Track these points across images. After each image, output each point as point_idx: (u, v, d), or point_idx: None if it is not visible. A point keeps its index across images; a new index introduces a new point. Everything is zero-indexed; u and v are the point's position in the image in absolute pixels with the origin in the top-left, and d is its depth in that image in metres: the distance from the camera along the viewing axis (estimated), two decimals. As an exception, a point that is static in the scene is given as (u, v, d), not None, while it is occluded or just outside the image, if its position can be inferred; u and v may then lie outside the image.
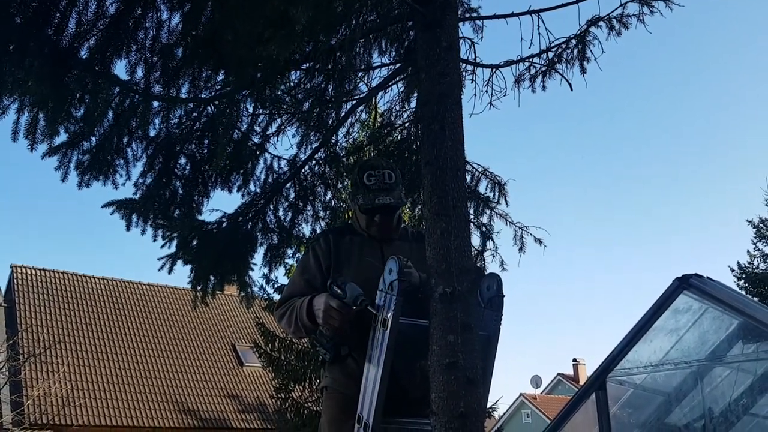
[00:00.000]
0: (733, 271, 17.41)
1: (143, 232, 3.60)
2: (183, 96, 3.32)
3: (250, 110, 3.76)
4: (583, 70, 3.64)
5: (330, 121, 3.99)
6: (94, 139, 3.32)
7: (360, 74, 3.82)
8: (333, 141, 4.12)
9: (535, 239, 4.31)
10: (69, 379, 15.02)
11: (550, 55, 3.59)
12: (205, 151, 3.79)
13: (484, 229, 4.33)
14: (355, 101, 3.92)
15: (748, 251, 17.46)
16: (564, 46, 3.58)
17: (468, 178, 4.28)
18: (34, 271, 17.73)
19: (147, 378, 16.58)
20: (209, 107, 3.66)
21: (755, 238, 17.40)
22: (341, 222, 4.29)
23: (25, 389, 14.03)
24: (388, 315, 2.42)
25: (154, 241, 3.61)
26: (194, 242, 3.67)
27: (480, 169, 4.39)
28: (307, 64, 3.58)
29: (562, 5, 3.33)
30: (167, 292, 19.53)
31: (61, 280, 18.07)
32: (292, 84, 3.70)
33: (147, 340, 17.69)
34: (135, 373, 16.52)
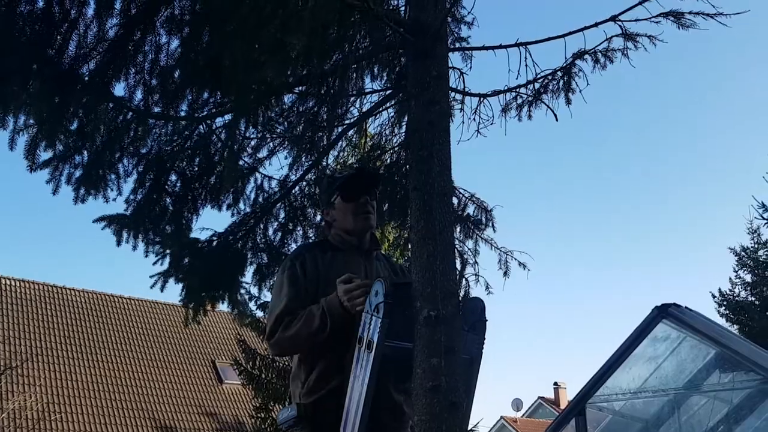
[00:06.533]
0: (714, 297, 17.60)
1: (134, 248, 3.64)
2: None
3: (242, 131, 3.82)
4: (568, 101, 3.74)
5: (321, 144, 4.06)
6: (86, 153, 3.37)
7: (352, 99, 3.90)
8: (324, 163, 4.19)
9: (519, 264, 4.39)
10: (45, 392, 14.79)
11: (537, 85, 3.68)
12: (196, 168, 3.84)
13: (466, 254, 4.41)
14: (346, 125, 4.00)
15: (730, 278, 17.67)
16: (550, 77, 3.67)
17: (455, 203, 4.36)
18: (12, 282, 17.47)
19: (125, 393, 16.36)
20: (201, 126, 3.72)
21: (737, 265, 17.60)
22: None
23: (0, 402, 13.80)
24: (374, 337, 2.46)
25: (146, 257, 3.65)
26: (186, 260, 3.70)
27: (467, 195, 4.48)
28: (301, 88, 3.65)
29: (549, 39, 3.42)
30: (148, 306, 19.34)
31: (39, 291, 17.83)
32: (285, 107, 3.77)
33: (126, 354, 17.48)
34: (113, 388, 16.29)
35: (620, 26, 3.41)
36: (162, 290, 3.73)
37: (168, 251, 3.66)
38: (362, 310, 2.47)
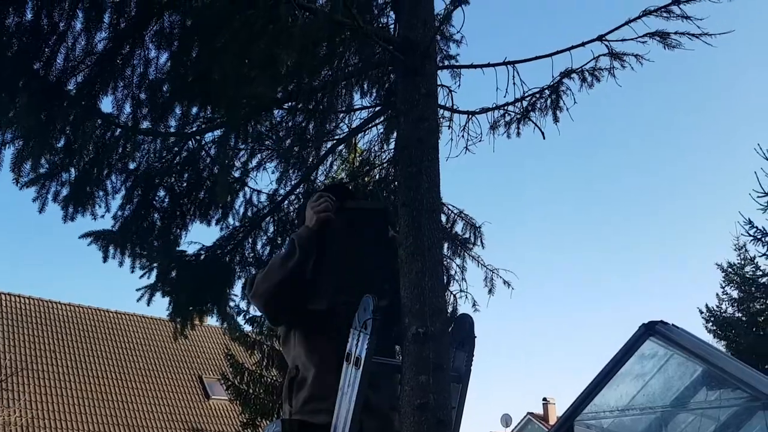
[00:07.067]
0: (702, 313, 17.73)
1: (121, 263, 3.61)
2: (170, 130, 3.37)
3: (232, 145, 3.82)
4: (556, 119, 3.77)
5: (310, 159, 4.06)
6: (73, 170, 3.35)
7: (341, 115, 3.91)
8: (313, 177, 4.18)
9: (504, 282, 4.40)
10: (31, 407, 14.60)
11: (525, 103, 3.70)
12: (185, 184, 3.83)
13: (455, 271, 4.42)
14: (335, 141, 4.00)
15: (716, 294, 17.82)
16: (538, 95, 3.70)
17: (444, 219, 4.38)
18: (-3, 296, 17.31)
19: (111, 408, 16.17)
20: (190, 141, 3.71)
21: (723, 281, 17.76)
22: None
23: (-16, 417, 13.61)
24: (362, 354, 2.45)
25: (132, 272, 3.62)
26: (173, 273, 3.67)
27: (456, 211, 4.49)
28: (290, 103, 3.66)
29: (537, 58, 3.45)
30: (135, 321, 19.19)
31: (26, 305, 17.65)
32: (274, 122, 3.77)
33: (112, 369, 17.30)
34: (99, 402, 16.10)
35: (607, 46, 3.45)
36: (148, 304, 3.70)
37: (155, 265, 3.63)
38: (324, 217, 2.52)
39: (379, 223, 2.65)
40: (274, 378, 11.09)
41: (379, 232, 2.61)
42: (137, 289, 3.74)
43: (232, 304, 4.13)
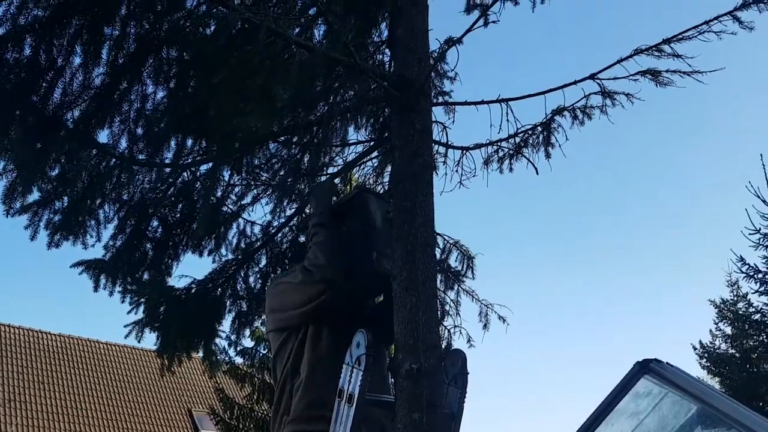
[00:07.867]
0: (695, 349, 17.65)
1: (111, 293, 3.59)
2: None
3: (226, 177, 3.83)
4: (548, 155, 3.81)
5: (305, 192, 4.07)
6: (66, 199, 3.34)
7: (336, 149, 3.94)
8: (308, 210, 4.18)
9: (499, 317, 4.37)
10: (15, 440, 14.31)
11: (517, 140, 3.75)
12: (178, 215, 3.83)
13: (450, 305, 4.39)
14: (330, 175, 4.02)
15: (710, 330, 17.76)
16: (530, 132, 3.74)
17: (439, 249, 4.38)
18: (-15, 326, 17.08)
19: (97, 442, 15.86)
20: (185, 173, 3.72)
21: (716, 318, 17.72)
22: None
23: (-33, 451, 13.32)
24: (355, 390, 2.43)
25: (122, 302, 3.60)
26: (162, 308, 3.65)
27: (451, 241, 4.48)
28: (285, 137, 3.68)
29: (529, 95, 3.50)
30: (125, 352, 18.94)
31: (14, 335, 17.42)
32: (269, 154, 3.80)
33: (101, 401, 17.01)
34: (85, 436, 15.80)
35: (599, 84, 3.50)
36: (138, 340, 3.66)
37: (143, 300, 3.61)
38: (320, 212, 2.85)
39: (357, 204, 2.91)
40: (265, 413, 10.93)
41: (362, 211, 2.88)
42: (125, 326, 3.72)
43: (219, 340, 4.09)
